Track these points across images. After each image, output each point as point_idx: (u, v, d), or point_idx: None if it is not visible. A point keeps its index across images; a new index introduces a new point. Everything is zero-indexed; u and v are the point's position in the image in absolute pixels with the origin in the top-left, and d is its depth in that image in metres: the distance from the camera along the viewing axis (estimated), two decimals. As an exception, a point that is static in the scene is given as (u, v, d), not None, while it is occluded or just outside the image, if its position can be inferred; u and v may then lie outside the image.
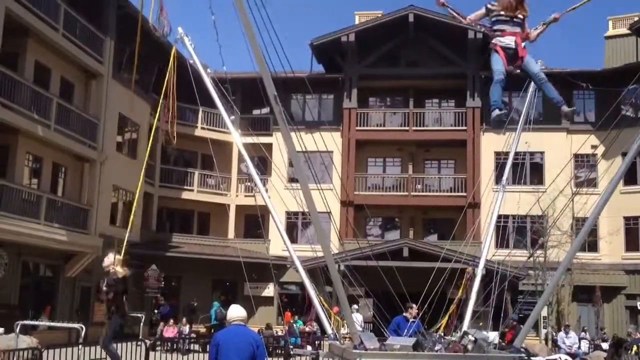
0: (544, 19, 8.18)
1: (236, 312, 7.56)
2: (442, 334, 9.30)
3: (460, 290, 10.25)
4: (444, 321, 10.12)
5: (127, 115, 29.66)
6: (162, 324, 26.13)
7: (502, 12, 7.79)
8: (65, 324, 22.34)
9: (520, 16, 7.84)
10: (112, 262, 10.80)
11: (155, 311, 27.09)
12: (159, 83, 32.55)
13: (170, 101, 10.80)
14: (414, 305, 11.94)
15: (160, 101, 11.70)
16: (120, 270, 10.77)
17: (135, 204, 19.54)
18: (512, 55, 7.78)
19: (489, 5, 7.92)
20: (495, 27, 7.87)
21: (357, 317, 23.54)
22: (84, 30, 25.67)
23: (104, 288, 10.72)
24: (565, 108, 8.14)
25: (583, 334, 27.42)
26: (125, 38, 28.90)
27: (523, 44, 7.83)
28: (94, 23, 26.25)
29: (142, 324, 21.60)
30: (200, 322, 27.94)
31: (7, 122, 21.37)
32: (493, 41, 7.85)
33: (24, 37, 23.11)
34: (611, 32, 36.33)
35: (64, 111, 24.44)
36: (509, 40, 7.74)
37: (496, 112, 7.83)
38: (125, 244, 11.32)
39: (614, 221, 30.58)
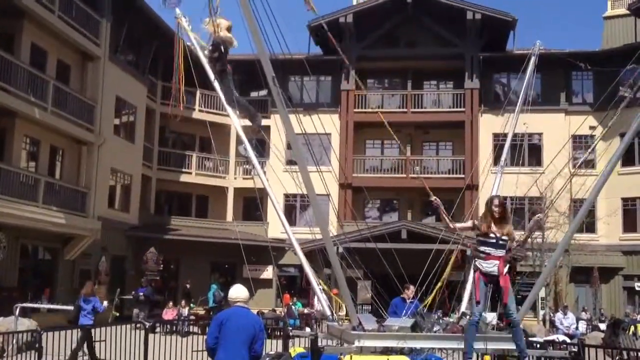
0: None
1: (238, 292, 7.34)
2: (441, 315, 9.34)
3: (447, 271, 10.30)
4: (429, 299, 10.19)
5: (124, 98, 29.56)
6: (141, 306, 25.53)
7: (486, 231, 7.83)
8: (64, 307, 22.38)
9: (505, 237, 7.87)
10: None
11: (134, 293, 26.49)
12: (155, 65, 32.59)
13: (174, 85, 10.73)
14: (410, 286, 11.99)
15: (173, 91, 11.65)
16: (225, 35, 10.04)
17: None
18: (493, 281, 7.79)
19: (475, 222, 8.07)
20: (480, 248, 7.89)
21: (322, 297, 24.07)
22: (80, 12, 25.50)
23: (210, 47, 10.20)
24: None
25: (583, 314, 27.58)
26: (122, 20, 28.75)
27: (505, 270, 7.80)
28: (90, 5, 26.08)
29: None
30: (200, 305, 28.00)
31: (4, 105, 21.29)
32: (476, 263, 7.89)
33: (20, 19, 22.94)
34: (610, 12, 36.18)
35: (60, 94, 24.35)
36: (491, 267, 7.75)
37: None
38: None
39: (612, 202, 30.66)
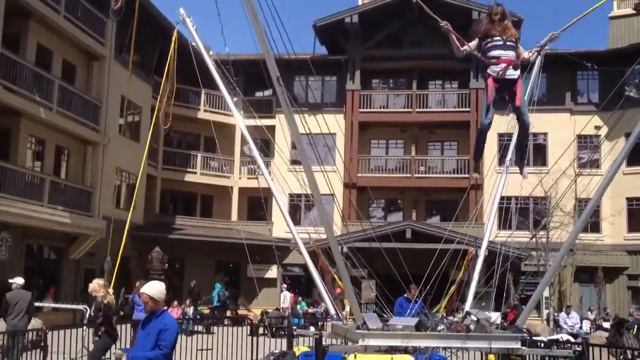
0: (543, 34, 8.16)
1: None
2: (445, 314, 9.35)
3: (462, 272, 10.28)
4: (444, 302, 10.16)
5: (130, 98, 29.62)
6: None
7: (490, 33, 7.69)
8: (69, 305, 22.51)
9: (512, 39, 7.72)
10: (95, 288, 11.50)
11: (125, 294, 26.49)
12: (161, 65, 32.62)
13: (164, 82, 10.74)
14: (412, 287, 12.02)
15: (163, 83, 11.66)
16: (103, 295, 11.31)
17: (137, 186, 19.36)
18: (508, 84, 7.69)
19: (480, 35, 7.91)
20: (489, 54, 7.74)
21: (286, 295, 26.58)
22: (86, 12, 25.57)
23: (92, 313, 11.23)
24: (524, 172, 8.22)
25: (589, 313, 27.52)
26: (127, 20, 28.76)
27: (517, 73, 7.71)
28: (95, 5, 26.14)
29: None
30: (204, 304, 28.06)
31: (9, 105, 21.36)
32: (487, 70, 7.75)
33: (26, 19, 23.03)
34: (616, 12, 36.08)
35: (66, 93, 24.42)
36: (502, 69, 7.63)
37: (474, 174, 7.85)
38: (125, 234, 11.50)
39: (617, 202, 30.59)
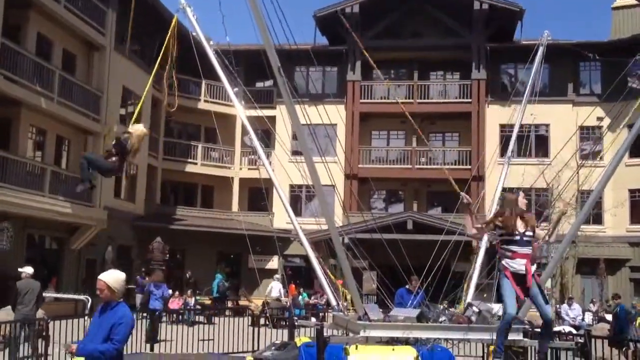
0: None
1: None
2: (446, 306, 9.33)
3: (473, 265, 10.24)
4: (464, 297, 10.07)
5: (130, 88, 29.56)
6: (139, 296, 25.74)
7: (509, 230, 7.47)
8: (71, 296, 22.55)
9: (530, 233, 7.53)
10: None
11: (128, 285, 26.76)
12: (162, 56, 32.56)
13: (167, 70, 10.67)
14: (413, 278, 12.01)
15: (155, 70, 11.58)
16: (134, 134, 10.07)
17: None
18: (521, 278, 7.45)
19: (497, 222, 7.62)
20: (504, 246, 7.52)
21: (275, 286, 26.61)
22: (86, 2, 25.49)
23: (112, 142, 10.23)
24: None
25: (591, 305, 27.52)
26: (127, 10, 28.70)
27: (534, 269, 7.53)
28: (96, -6, 26.07)
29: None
30: (205, 294, 28.09)
31: (10, 95, 21.32)
32: (503, 263, 7.50)
33: (26, 9, 22.95)
34: (618, 2, 35.90)
35: (66, 83, 24.36)
36: (519, 265, 7.40)
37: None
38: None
39: (619, 194, 30.53)
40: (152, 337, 15.90)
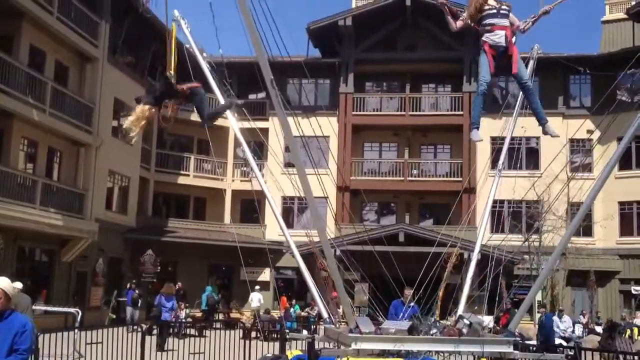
0: (534, 13, 8.08)
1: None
2: (437, 318, 9.34)
3: (445, 275, 10.28)
4: (438, 310, 10.13)
5: (123, 99, 29.55)
6: (129, 309, 25.73)
7: (484, 3, 7.58)
8: (61, 309, 22.38)
9: (505, 7, 7.67)
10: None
11: (117, 297, 26.87)
12: (154, 67, 32.59)
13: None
14: (406, 289, 12.03)
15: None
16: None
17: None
18: (502, 53, 7.58)
19: (473, 7, 7.74)
20: (483, 22, 7.65)
21: (255, 297, 27.45)
22: (79, 14, 25.51)
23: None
24: (548, 128, 7.99)
25: (581, 317, 27.56)
26: (121, 22, 28.77)
27: (514, 38, 7.66)
28: (88, 6, 26.08)
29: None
30: (196, 307, 27.98)
31: (1, 106, 21.29)
32: (483, 38, 7.64)
33: (19, 20, 22.94)
34: (608, 16, 36.25)
35: (59, 95, 24.34)
36: (498, 37, 7.53)
37: (476, 133, 7.73)
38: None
39: (609, 206, 30.70)
40: (161, 346, 17.61)
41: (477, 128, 7.82)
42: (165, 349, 17.93)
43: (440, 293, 10.15)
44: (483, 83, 7.57)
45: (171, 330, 21.58)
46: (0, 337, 5.28)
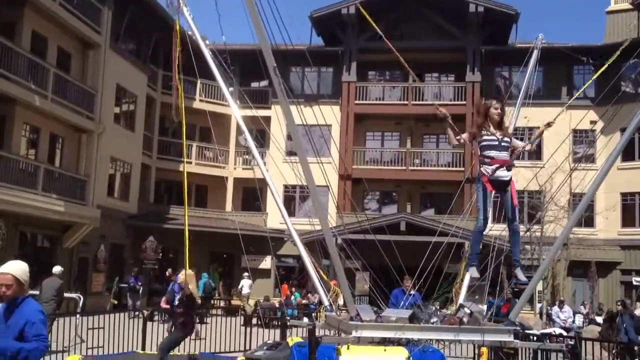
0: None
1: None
2: (438, 307, 9.36)
3: (462, 270, 10.26)
4: (455, 306, 10.12)
5: (125, 86, 29.54)
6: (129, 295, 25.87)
7: (483, 134, 7.47)
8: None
9: (507, 139, 7.53)
10: (185, 279, 11.20)
11: (119, 283, 26.93)
12: (156, 54, 32.53)
13: (175, 76, 10.65)
14: (406, 278, 12.06)
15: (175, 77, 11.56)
16: (191, 289, 11.10)
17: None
18: (501, 186, 7.51)
19: (473, 130, 7.72)
20: (483, 153, 7.54)
21: (245, 283, 28.36)
22: (82, 0, 25.44)
23: (176, 302, 11.21)
24: (518, 272, 7.82)
25: (582, 307, 27.62)
26: (123, 8, 28.69)
27: (510, 174, 7.53)
28: (91, -8, 26.03)
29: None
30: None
31: (4, 92, 21.28)
32: (481, 169, 7.54)
33: (21, 6, 22.90)
34: (613, 7, 36.09)
35: (61, 81, 24.32)
36: (497, 171, 7.42)
37: (473, 272, 7.65)
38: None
39: (611, 197, 30.68)
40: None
41: (475, 266, 7.68)
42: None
43: (456, 288, 10.16)
44: (481, 220, 7.51)
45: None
46: (11, 325, 5.03)
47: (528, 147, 8.05)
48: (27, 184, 22.29)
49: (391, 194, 36.00)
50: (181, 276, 11.06)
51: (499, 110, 7.52)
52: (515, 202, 7.57)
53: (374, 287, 11.67)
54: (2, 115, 22.74)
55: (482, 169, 7.56)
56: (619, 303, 18.46)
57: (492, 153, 7.48)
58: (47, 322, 5.29)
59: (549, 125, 8.01)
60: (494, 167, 7.42)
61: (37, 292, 15.80)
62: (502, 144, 7.47)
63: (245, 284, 28.59)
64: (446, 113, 7.86)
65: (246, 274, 29.24)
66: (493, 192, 7.54)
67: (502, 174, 7.43)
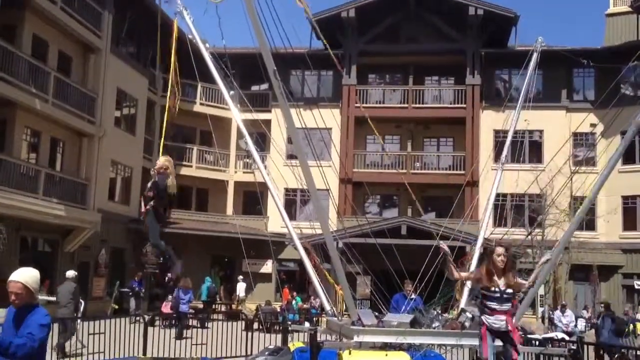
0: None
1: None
2: (440, 312, 9.34)
3: (467, 272, 10.26)
4: (456, 311, 10.10)
5: (126, 90, 29.54)
6: (132, 300, 25.87)
7: (488, 285, 7.35)
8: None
9: (510, 290, 7.38)
10: (162, 164, 9.70)
11: (120, 287, 26.90)
12: (160, 59, 32.50)
13: (172, 76, 10.66)
14: (407, 282, 12.03)
15: (156, 74, 11.56)
16: (170, 182, 9.65)
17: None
18: (502, 334, 7.39)
19: (477, 276, 7.69)
20: (485, 302, 7.43)
21: (240, 286, 29.09)
22: (83, 4, 25.46)
23: (148, 185, 9.75)
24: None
25: (584, 311, 27.55)
26: (124, 12, 28.70)
27: (514, 321, 7.52)
28: (91, -3, 26.04)
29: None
30: (197, 298, 28.02)
31: (5, 96, 21.26)
32: (482, 318, 7.45)
33: (22, 10, 22.90)
34: (612, 9, 36.11)
35: (62, 85, 24.32)
36: (498, 323, 7.31)
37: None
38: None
39: (612, 200, 30.63)
40: (180, 335, 18.95)
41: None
42: (183, 336, 18.81)
43: (457, 295, 10.13)
44: None
45: (189, 321, 22.01)
46: (19, 331, 5.03)
47: (528, 284, 7.95)
48: (28, 188, 22.27)
49: (392, 197, 35.97)
50: (159, 162, 9.73)
51: (502, 257, 7.35)
52: (515, 357, 7.41)
53: (375, 291, 11.64)
54: (3, 119, 22.73)
55: (482, 317, 7.47)
56: (602, 305, 18.47)
57: (494, 305, 7.36)
58: (49, 329, 5.19)
59: (547, 260, 8.15)
60: (493, 318, 7.34)
61: (53, 299, 16.19)
62: (504, 296, 7.35)
63: (240, 287, 28.89)
64: (447, 250, 7.80)
65: (241, 277, 29.43)
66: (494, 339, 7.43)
67: (502, 325, 7.32)
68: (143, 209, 9.65)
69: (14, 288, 5.07)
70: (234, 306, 28.88)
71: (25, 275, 5.16)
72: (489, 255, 7.50)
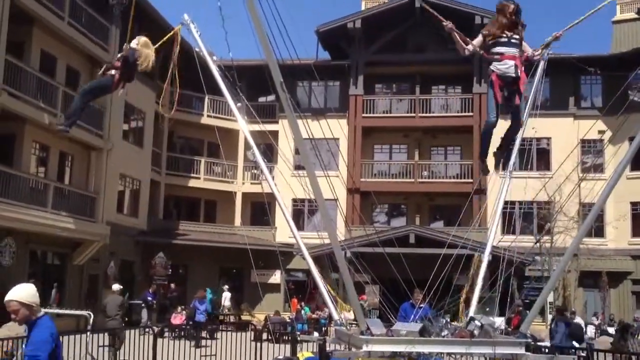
0: (545, 37, 8.05)
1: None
2: (449, 320, 9.32)
3: (470, 279, 10.24)
4: (462, 316, 10.11)
5: (133, 103, 29.70)
6: (143, 311, 25.89)
7: (497, 33, 7.44)
8: (73, 311, 22.49)
9: (517, 36, 7.48)
10: (140, 42, 8.89)
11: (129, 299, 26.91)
12: (165, 71, 32.71)
13: (167, 82, 10.68)
14: (416, 291, 12.01)
15: (165, 85, 11.62)
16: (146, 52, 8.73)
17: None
18: (510, 82, 7.44)
19: (484, 32, 7.67)
20: (492, 50, 7.51)
21: (227, 295, 29.86)
22: (90, 19, 25.67)
23: (118, 56, 8.79)
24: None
25: (593, 318, 27.41)
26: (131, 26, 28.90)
27: (522, 71, 7.50)
28: (99, 11, 26.22)
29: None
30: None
31: (13, 111, 21.42)
32: (491, 67, 7.52)
33: (30, 26, 23.11)
34: (619, 16, 36.08)
35: (70, 100, 24.44)
36: (507, 67, 7.38)
37: (485, 168, 7.96)
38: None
39: (621, 206, 30.53)
40: (197, 344, 19.22)
41: (484, 162, 7.85)
42: (200, 345, 19.27)
43: (462, 299, 10.13)
44: (492, 117, 7.67)
45: (204, 332, 22.22)
46: (26, 348, 5.20)
47: (537, 57, 7.95)
48: (37, 201, 22.40)
49: (400, 206, 35.95)
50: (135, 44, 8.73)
51: (511, 16, 7.43)
52: (518, 102, 7.62)
53: (384, 300, 11.63)
54: (12, 134, 22.89)
55: (491, 66, 7.50)
56: (559, 309, 18.44)
57: (502, 49, 7.43)
58: (53, 340, 5.25)
59: (557, 38, 7.99)
60: (503, 63, 7.37)
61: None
62: (512, 40, 7.42)
63: (225, 296, 29.77)
64: (452, 26, 7.82)
65: (226, 286, 30.41)
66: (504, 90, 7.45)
67: (511, 70, 7.35)
68: (101, 72, 9.14)
69: (10, 308, 5.17)
70: (245, 317, 28.85)
71: (19, 293, 5.20)
72: (498, 12, 7.56)
